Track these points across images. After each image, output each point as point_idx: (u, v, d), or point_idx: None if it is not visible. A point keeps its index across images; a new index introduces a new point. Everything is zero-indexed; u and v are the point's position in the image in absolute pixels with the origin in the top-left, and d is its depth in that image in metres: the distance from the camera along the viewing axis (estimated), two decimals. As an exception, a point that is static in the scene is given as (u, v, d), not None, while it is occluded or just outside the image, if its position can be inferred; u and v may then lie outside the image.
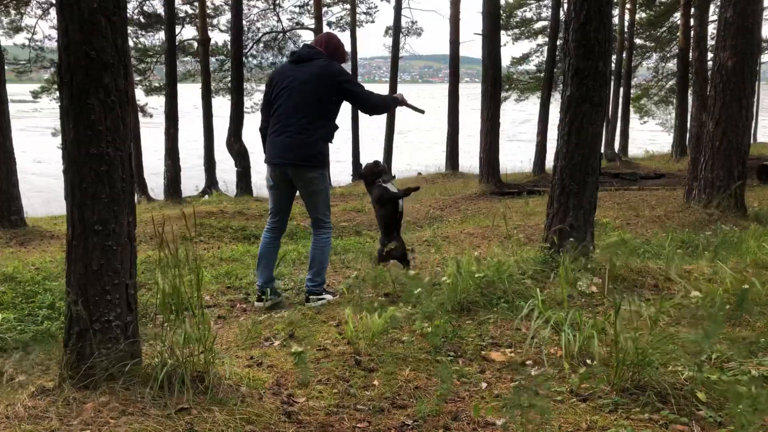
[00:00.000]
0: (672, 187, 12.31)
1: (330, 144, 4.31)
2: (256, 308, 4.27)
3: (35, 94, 22.17)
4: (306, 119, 4.12)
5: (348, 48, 25.30)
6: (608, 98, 6.01)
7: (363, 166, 4.87)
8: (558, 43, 17.89)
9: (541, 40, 26.26)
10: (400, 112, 25.77)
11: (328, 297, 4.30)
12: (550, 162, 8.71)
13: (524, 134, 39.63)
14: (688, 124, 15.20)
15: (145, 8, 22.43)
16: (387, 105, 4.40)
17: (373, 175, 4.75)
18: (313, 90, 4.12)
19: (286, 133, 4.15)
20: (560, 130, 4.53)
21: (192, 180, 18.80)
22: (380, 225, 4.79)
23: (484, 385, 2.71)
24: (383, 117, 22.59)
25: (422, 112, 4.94)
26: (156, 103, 21.87)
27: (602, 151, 11.47)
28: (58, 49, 2.37)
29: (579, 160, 4.41)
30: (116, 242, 2.41)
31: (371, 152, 27.04)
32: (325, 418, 2.41)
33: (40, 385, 2.44)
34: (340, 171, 24.27)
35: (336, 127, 4.31)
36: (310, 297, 4.27)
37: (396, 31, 22.45)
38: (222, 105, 21.70)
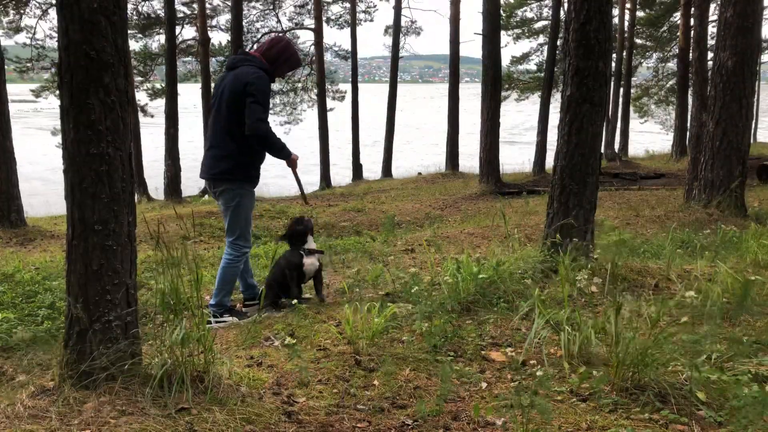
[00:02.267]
0: (672, 187, 12.31)
1: (252, 157, 3.97)
2: (247, 313, 4.18)
3: (35, 93, 22.18)
4: (220, 131, 3.94)
5: (347, 47, 25.00)
6: (608, 98, 6.02)
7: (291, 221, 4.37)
8: (558, 42, 17.89)
9: (541, 39, 26.26)
10: (401, 111, 25.80)
11: (230, 320, 4.01)
12: (550, 162, 8.71)
13: (524, 134, 39.63)
14: (688, 124, 15.19)
15: (144, 9, 22.45)
16: (267, 142, 3.90)
17: (293, 235, 4.28)
18: (226, 100, 3.89)
19: (207, 147, 4.07)
20: (560, 130, 4.53)
21: (192, 180, 18.77)
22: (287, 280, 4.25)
23: (484, 385, 2.71)
24: (383, 117, 22.61)
25: (303, 197, 4.64)
26: (156, 103, 21.89)
27: (602, 151, 11.47)
28: (58, 49, 2.37)
29: (579, 160, 4.41)
30: (116, 242, 2.41)
31: (372, 152, 27.06)
32: (325, 418, 2.41)
33: (40, 385, 2.44)
34: (340, 171, 24.28)
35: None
36: (210, 320, 3.93)
37: (396, 30, 22.46)
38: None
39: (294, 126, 25.62)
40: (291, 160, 4.10)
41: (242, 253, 4.07)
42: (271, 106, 4.16)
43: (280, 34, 4.17)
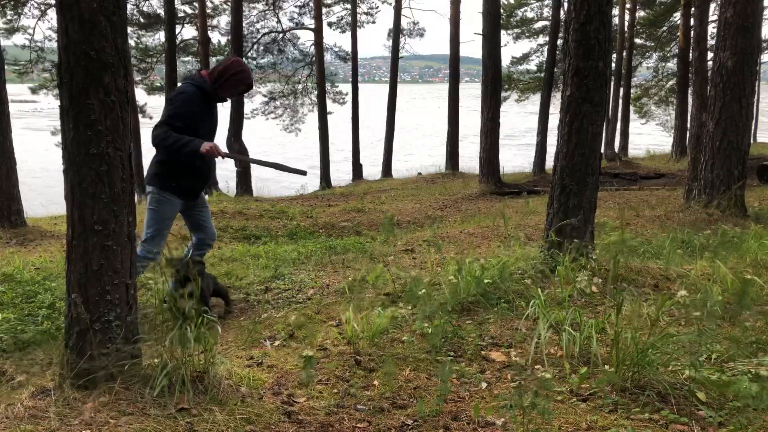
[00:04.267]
0: (672, 187, 12.30)
1: (172, 170, 4.05)
2: None
3: (33, 90, 22.20)
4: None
5: (348, 48, 24.96)
6: (608, 98, 6.02)
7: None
8: (558, 42, 17.88)
9: (541, 39, 26.25)
10: (401, 112, 25.79)
11: None
12: (550, 162, 8.71)
13: (524, 135, 39.63)
14: (688, 124, 15.19)
15: (145, 8, 22.44)
16: (164, 147, 3.98)
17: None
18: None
19: None
20: (560, 130, 4.52)
21: (192, 180, 18.74)
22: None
23: (484, 385, 2.71)
24: (383, 117, 22.63)
25: (282, 168, 4.41)
26: (155, 104, 21.88)
27: (602, 151, 11.47)
28: (58, 49, 2.36)
29: (579, 160, 4.40)
30: (116, 242, 2.41)
31: (372, 153, 27.06)
32: (325, 418, 2.41)
33: (40, 385, 2.44)
34: (340, 171, 24.28)
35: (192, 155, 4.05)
36: None
37: (396, 31, 22.45)
38: (222, 105, 21.66)
39: (294, 126, 25.62)
40: (207, 151, 3.99)
41: (145, 257, 3.94)
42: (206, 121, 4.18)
43: (240, 59, 4.23)
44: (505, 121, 15.82)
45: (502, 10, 20.00)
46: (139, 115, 20.93)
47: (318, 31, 22.16)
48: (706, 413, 2.33)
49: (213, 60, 22.72)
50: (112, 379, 2.38)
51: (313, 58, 23.08)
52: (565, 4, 15.20)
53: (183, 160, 4.05)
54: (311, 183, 20.61)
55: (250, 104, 23.49)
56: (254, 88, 24.58)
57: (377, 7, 24.71)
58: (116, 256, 2.42)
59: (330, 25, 24.60)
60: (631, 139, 24.68)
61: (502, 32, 19.01)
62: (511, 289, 3.81)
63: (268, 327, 3.67)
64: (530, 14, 26.61)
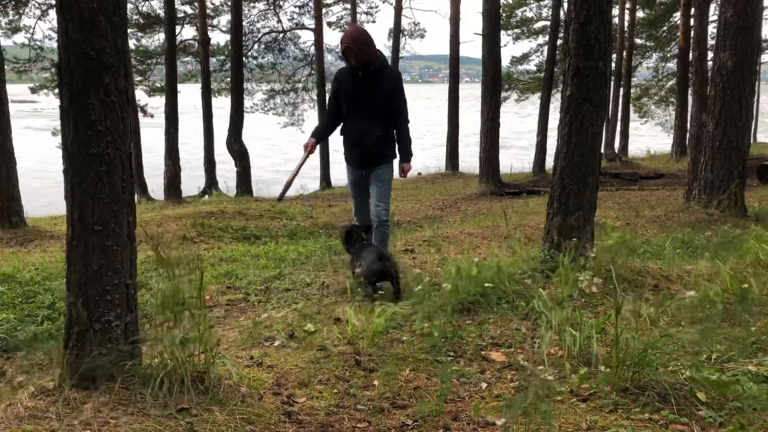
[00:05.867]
0: (672, 187, 12.31)
1: (342, 139, 4.83)
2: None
3: (33, 90, 22.19)
4: None
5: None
6: (608, 98, 6.01)
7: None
8: (558, 42, 17.88)
9: (541, 39, 26.24)
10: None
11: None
12: (550, 162, 8.71)
13: (522, 135, 39.62)
14: (688, 124, 15.19)
15: (144, 9, 22.43)
16: None
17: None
18: None
19: None
20: (560, 130, 4.52)
21: (192, 180, 18.79)
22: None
23: (484, 385, 2.71)
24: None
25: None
26: (156, 103, 21.88)
27: (602, 151, 11.48)
28: (58, 49, 2.36)
29: (579, 160, 4.40)
30: (116, 242, 2.41)
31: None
32: (325, 418, 2.41)
33: (40, 385, 2.44)
34: (340, 171, 24.24)
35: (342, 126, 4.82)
36: None
37: (396, 31, 22.44)
38: (222, 105, 21.70)
39: (295, 126, 25.63)
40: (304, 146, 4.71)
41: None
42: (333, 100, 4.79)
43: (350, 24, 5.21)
44: (504, 122, 15.80)
45: (502, 11, 19.99)
46: (140, 115, 20.93)
47: (318, 31, 22.14)
48: (706, 413, 2.33)
49: (213, 60, 22.75)
50: (112, 379, 2.38)
51: (314, 58, 23.08)
52: (565, 4, 15.20)
53: (342, 134, 4.77)
54: (311, 183, 20.61)
55: (249, 100, 23.50)
56: (254, 87, 24.63)
57: (377, 7, 24.79)
58: (116, 257, 2.42)
59: (329, 24, 24.59)
60: (631, 139, 24.67)
61: (502, 32, 19.02)
62: (511, 289, 3.81)
63: (268, 327, 3.67)
64: (530, 14, 26.60)
